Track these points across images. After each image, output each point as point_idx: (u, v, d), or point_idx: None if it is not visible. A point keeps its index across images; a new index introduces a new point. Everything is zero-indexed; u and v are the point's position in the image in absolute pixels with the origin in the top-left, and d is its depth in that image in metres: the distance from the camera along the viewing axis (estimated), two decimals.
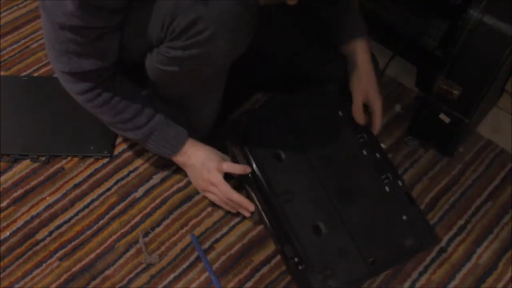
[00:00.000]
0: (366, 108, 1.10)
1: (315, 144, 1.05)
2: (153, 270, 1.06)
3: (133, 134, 1.04)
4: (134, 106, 1.01)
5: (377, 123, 1.09)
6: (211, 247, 1.09)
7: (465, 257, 1.08)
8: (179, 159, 1.08)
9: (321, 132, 1.07)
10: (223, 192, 1.05)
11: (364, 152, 1.05)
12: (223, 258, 1.08)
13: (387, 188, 1.02)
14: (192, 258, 1.08)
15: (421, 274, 1.06)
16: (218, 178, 1.04)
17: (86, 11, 0.84)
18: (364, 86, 1.09)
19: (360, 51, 1.09)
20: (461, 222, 1.13)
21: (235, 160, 1.06)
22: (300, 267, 0.95)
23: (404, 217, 1.00)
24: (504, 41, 0.97)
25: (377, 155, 1.05)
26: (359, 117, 1.09)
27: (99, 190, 1.17)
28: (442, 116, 1.15)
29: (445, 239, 1.11)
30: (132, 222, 1.13)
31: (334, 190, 1.01)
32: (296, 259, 0.96)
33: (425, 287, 1.05)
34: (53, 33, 0.89)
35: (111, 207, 1.15)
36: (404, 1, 1.22)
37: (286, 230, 0.98)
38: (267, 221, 1.03)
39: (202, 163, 1.05)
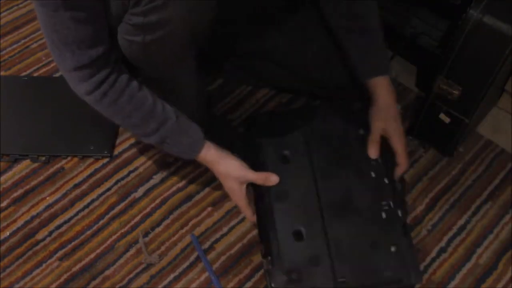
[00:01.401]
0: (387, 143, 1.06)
1: (324, 155, 1.05)
2: (153, 270, 1.06)
3: (145, 139, 1.01)
4: (141, 110, 0.97)
5: (403, 164, 1.04)
6: (211, 247, 1.09)
7: (465, 257, 1.08)
8: (201, 161, 1.03)
9: (335, 145, 1.07)
10: (239, 207, 1.04)
11: (372, 174, 1.03)
12: (223, 258, 1.08)
13: (383, 214, 0.99)
14: (192, 258, 1.08)
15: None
16: (239, 196, 1.02)
17: None
18: (383, 121, 1.04)
19: (381, 88, 1.06)
20: (461, 222, 1.13)
21: (246, 149, 1.09)
22: (270, 266, 0.95)
23: (393, 249, 0.96)
24: (504, 41, 0.97)
25: (385, 180, 1.02)
26: (373, 151, 1.05)
27: (99, 190, 1.17)
28: (442, 116, 1.14)
29: (445, 239, 1.11)
30: (132, 222, 1.13)
31: (328, 202, 1.00)
32: (268, 258, 0.96)
33: (425, 287, 1.05)
34: (50, 21, 0.87)
35: (111, 207, 1.15)
36: (404, 1, 1.23)
37: (267, 228, 0.99)
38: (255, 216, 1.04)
39: (223, 174, 1.02)
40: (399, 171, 1.04)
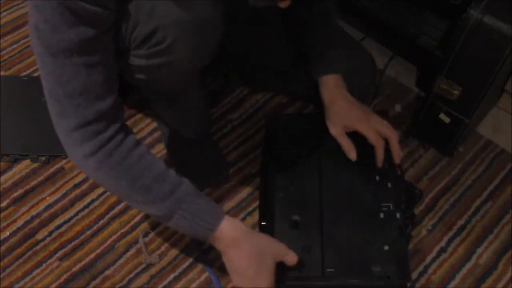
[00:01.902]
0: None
1: (332, 156, 1.09)
2: (153, 270, 1.06)
3: (156, 209, 0.88)
4: (153, 170, 0.87)
5: (396, 151, 1.04)
6: (211, 247, 1.09)
7: (465, 257, 1.08)
8: (216, 240, 0.91)
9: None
10: None
11: (377, 178, 1.05)
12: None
13: (381, 215, 1.01)
14: (192, 258, 1.08)
15: (421, 274, 1.06)
16: (270, 282, 0.91)
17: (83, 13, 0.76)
18: (345, 121, 1.04)
19: (325, 87, 1.06)
20: (461, 222, 1.13)
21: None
22: None
23: (386, 247, 0.97)
24: (504, 41, 0.97)
25: (389, 184, 1.04)
26: (351, 152, 1.05)
27: (99, 190, 1.17)
28: (442, 116, 1.14)
29: (445, 239, 1.11)
30: (132, 222, 1.13)
31: (328, 198, 1.04)
32: None
33: (425, 287, 1.05)
34: (57, 72, 0.80)
35: (111, 207, 1.15)
36: (404, 1, 1.23)
37: (266, 215, 1.03)
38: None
39: (254, 253, 0.90)
40: (395, 158, 1.05)
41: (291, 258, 0.93)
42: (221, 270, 1.06)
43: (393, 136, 1.04)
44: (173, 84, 0.97)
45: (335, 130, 1.06)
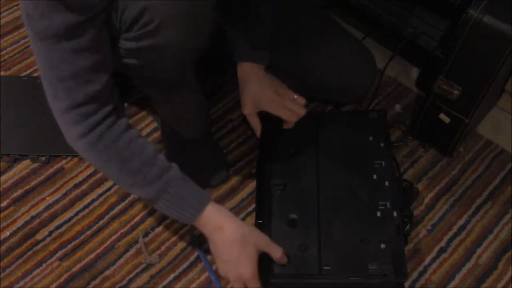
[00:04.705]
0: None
1: (330, 154, 1.11)
2: (153, 270, 1.06)
3: (143, 191, 0.90)
4: (143, 154, 0.89)
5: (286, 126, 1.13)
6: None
7: (465, 257, 1.08)
8: (201, 225, 0.93)
9: (343, 147, 1.12)
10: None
11: (374, 177, 1.06)
12: None
13: (378, 213, 1.01)
14: (192, 258, 1.08)
15: (421, 274, 1.06)
16: (252, 271, 0.91)
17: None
18: (256, 102, 1.09)
19: (248, 68, 1.09)
20: (461, 222, 1.13)
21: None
22: None
23: (382, 246, 0.97)
24: (504, 41, 0.97)
25: (386, 183, 1.05)
26: (257, 132, 1.13)
27: (99, 190, 1.17)
28: (442, 116, 1.14)
29: (445, 239, 1.11)
30: (132, 222, 1.13)
31: (326, 197, 1.05)
32: None
33: (425, 287, 1.05)
34: (47, 57, 0.82)
35: (111, 207, 1.15)
36: (404, 1, 1.22)
37: (264, 213, 1.03)
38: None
39: (237, 239, 0.91)
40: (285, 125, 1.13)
41: (275, 250, 0.94)
42: None
43: (297, 115, 1.11)
44: (166, 73, 0.96)
45: (247, 110, 1.11)
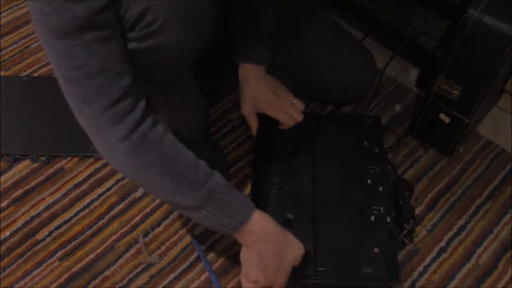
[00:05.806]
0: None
1: (327, 156, 1.12)
2: (153, 270, 1.06)
3: (187, 198, 0.82)
4: (188, 157, 0.82)
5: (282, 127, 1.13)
6: (211, 247, 1.09)
7: (465, 257, 1.08)
8: (246, 234, 0.86)
9: (340, 150, 1.13)
10: None
11: (369, 181, 1.07)
12: (223, 258, 1.08)
13: (372, 218, 1.02)
14: (192, 258, 1.08)
15: (421, 274, 1.06)
16: (285, 281, 0.91)
17: None
18: (255, 103, 1.09)
19: (249, 68, 1.09)
20: (461, 222, 1.13)
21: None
22: None
23: (376, 250, 0.98)
24: (504, 41, 0.97)
25: (380, 188, 1.06)
26: (253, 131, 1.13)
27: (99, 190, 1.17)
28: (442, 116, 1.15)
29: (445, 239, 1.11)
30: (132, 222, 1.13)
31: (321, 199, 1.05)
32: None
33: (425, 287, 1.05)
34: (71, 55, 0.75)
35: (111, 207, 1.15)
36: (404, 1, 1.23)
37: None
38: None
39: (282, 251, 0.88)
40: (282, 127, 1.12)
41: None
42: (221, 270, 1.06)
43: (294, 120, 1.11)
44: (165, 73, 0.95)
45: (245, 110, 1.11)
